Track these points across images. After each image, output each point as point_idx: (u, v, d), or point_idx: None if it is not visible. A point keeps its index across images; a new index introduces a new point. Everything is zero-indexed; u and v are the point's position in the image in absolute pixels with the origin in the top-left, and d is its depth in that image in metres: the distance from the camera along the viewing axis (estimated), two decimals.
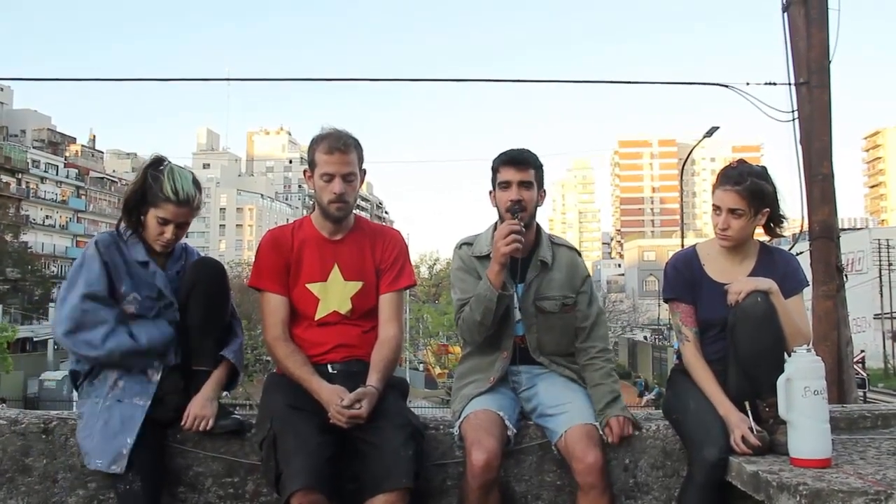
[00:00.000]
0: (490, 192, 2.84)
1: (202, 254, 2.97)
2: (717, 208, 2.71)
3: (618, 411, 2.68)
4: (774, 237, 2.81)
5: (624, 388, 2.94)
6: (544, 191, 2.84)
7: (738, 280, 2.61)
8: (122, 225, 2.68)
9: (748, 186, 2.63)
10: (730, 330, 2.57)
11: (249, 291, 2.90)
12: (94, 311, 2.54)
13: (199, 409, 2.62)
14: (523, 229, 2.64)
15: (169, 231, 2.65)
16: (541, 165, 2.82)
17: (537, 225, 2.88)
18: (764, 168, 2.72)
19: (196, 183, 2.69)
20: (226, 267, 2.97)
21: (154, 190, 2.62)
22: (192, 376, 2.68)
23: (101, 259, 2.60)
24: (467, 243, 2.90)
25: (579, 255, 2.98)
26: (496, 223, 2.84)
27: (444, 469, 2.75)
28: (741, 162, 2.74)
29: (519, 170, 2.75)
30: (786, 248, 3.25)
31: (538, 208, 2.83)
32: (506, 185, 2.75)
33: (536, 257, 2.83)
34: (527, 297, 2.80)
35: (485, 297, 2.65)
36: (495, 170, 2.80)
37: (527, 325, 2.81)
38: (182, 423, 2.62)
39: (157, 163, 2.69)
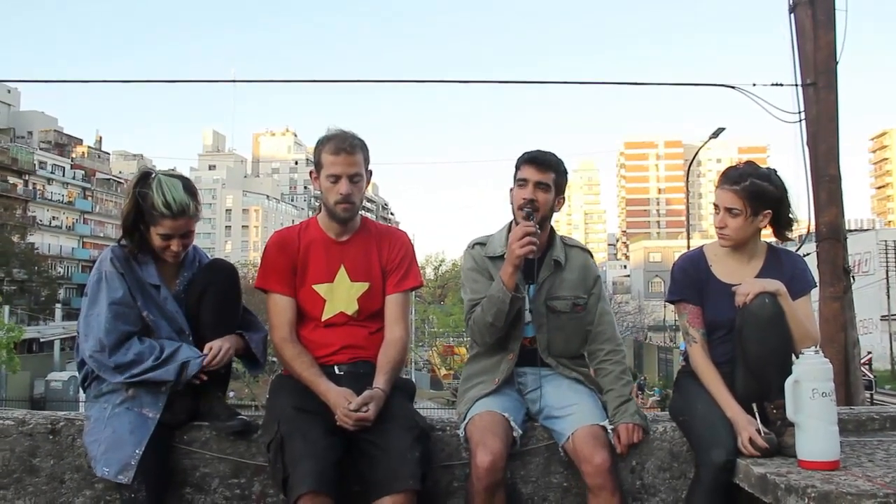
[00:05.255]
0: (510, 189, 2.84)
1: (208, 255, 2.96)
2: (717, 207, 2.71)
3: (627, 417, 2.68)
4: (783, 240, 2.80)
5: None
6: (563, 198, 2.83)
7: (745, 281, 2.60)
8: (126, 243, 2.63)
9: (746, 187, 2.62)
10: (737, 331, 2.56)
11: (255, 293, 2.88)
12: (123, 321, 2.53)
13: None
14: (538, 231, 2.65)
15: (174, 244, 2.60)
16: (564, 171, 2.82)
17: (551, 227, 2.88)
18: (771, 170, 2.70)
19: (189, 189, 2.59)
20: None
21: (147, 208, 2.55)
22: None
23: (119, 272, 2.59)
24: (480, 243, 2.90)
25: (591, 256, 2.98)
26: (510, 224, 2.85)
27: (450, 471, 2.74)
28: (748, 163, 2.73)
29: (538, 170, 2.75)
30: (792, 249, 3.24)
31: (554, 213, 2.82)
32: (523, 182, 2.76)
33: (550, 257, 2.83)
34: (538, 297, 2.80)
35: (497, 299, 2.64)
36: (517, 167, 2.81)
37: (537, 324, 2.80)
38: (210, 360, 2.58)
39: (144, 178, 2.59)
